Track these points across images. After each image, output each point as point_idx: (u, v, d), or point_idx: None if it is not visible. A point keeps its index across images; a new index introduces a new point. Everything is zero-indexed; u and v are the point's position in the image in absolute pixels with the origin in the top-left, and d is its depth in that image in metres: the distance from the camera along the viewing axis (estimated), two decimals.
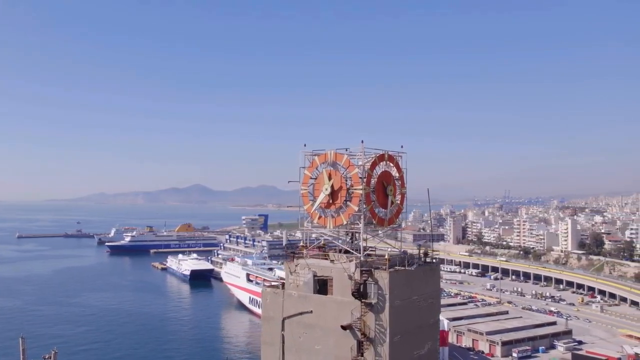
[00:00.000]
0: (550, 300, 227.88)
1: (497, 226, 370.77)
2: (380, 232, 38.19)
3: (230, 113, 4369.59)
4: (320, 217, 36.25)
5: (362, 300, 31.99)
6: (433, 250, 39.99)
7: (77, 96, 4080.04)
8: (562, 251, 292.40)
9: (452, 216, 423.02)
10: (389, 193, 37.05)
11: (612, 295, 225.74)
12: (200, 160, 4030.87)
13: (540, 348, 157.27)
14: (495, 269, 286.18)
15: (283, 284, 37.67)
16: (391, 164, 36.88)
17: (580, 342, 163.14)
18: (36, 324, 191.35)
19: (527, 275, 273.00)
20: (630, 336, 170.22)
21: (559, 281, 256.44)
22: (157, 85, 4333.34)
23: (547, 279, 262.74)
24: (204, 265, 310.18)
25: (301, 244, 39.30)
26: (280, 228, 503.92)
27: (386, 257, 35.58)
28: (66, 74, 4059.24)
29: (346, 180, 35.28)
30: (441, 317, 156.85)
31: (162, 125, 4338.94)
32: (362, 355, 31.86)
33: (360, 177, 34.53)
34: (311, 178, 36.88)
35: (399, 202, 37.70)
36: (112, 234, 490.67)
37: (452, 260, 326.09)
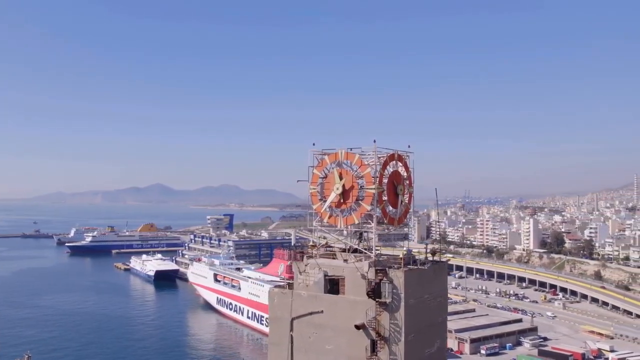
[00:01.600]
0: (514, 298, 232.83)
1: (460, 226, 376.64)
2: (391, 231, 38.27)
3: (191, 113, 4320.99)
4: (330, 216, 36.15)
5: (377, 300, 32.06)
6: (441, 249, 40.33)
7: (34, 97, 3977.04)
8: (524, 250, 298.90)
9: (417, 216, 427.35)
10: (399, 192, 37.27)
11: (574, 293, 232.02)
12: (161, 159, 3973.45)
13: (508, 345, 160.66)
14: (459, 268, 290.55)
15: (289, 284, 37.40)
16: (400, 164, 37.10)
17: (545, 339, 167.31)
18: (2, 328, 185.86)
19: (490, 274, 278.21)
20: (592, 332, 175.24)
21: (521, 279, 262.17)
22: (118, 87, 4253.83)
23: (511, 277, 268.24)
24: (169, 265, 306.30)
25: (310, 243, 39.06)
26: (245, 228, 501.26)
27: (400, 256, 35.78)
28: (27, 75, 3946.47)
29: (358, 180, 35.29)
30: None
31: (122, 126, 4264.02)
32: (376, 355, 31.91)
33: (373, 177, 34.62)
34: (320, 177, 36.71)
35: (407, 201, 37.94)
36: (72, 234, 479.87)
37: None
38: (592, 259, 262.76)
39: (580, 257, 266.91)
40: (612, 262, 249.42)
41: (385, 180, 35.26)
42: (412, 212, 39.46)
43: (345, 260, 34.23)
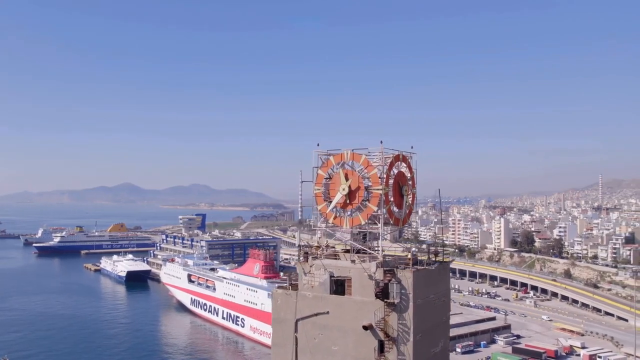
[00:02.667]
0: (486, 296, 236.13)
1: (432, 225, 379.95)
2: (396, 231, 38.44)
3: (160, 112, 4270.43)
4: (335, 217, 36.12)
5: (385, 301, 32.14)
6: (444, 249, 40.68)
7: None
8: (495, 249, 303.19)
9: None
10: (404, 193, 37.45)
11: (544, 291, 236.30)
12: (130, 158, 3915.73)
13: (482, 343, 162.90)
14: None
15: (292, 285, 37.25)
16: (404, 164, 37.29)
17: (518, 337, 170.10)
18: None
19: (463, 273, 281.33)
20: (564, 329, 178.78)
21: (493, 278, 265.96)
22: (85, 87, 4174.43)
23: (483, 276, 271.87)
24: (141, 266, 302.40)
25: (316, 244, 38.95)
26: (217, 228, 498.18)
27: (408, 256, 35.96)
28: None
29: (364, 180, 35.35)
30: None
31: (90, 123, 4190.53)
32: (384, 356, 31.99)
33: (379, 178, 34.69)
34: (325, 178, 36.65)
35: (410, 202, 38.15)
36: (39, 235, 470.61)
37: None
38: (562, 257, 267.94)
39: (550, 256, 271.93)
40: (581, 261, 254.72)
41: (391, 181, 35.44)
42: (415, 213, 39.66)
43: (353, 261, 34.27)
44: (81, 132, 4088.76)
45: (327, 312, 34.04)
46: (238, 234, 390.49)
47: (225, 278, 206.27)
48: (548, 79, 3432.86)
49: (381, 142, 34.75)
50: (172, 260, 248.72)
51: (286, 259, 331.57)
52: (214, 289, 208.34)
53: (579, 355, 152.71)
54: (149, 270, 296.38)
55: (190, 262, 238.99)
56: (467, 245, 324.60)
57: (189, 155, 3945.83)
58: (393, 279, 32.46)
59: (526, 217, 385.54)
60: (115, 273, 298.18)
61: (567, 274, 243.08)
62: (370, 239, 36.96)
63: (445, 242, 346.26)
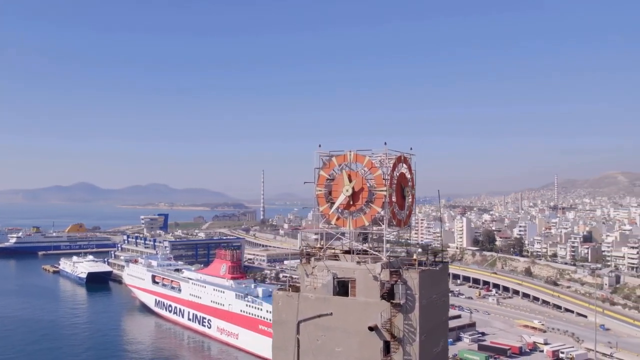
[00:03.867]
0: (450, 294, 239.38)
1: (395, 224, 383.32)
2: (398, 232, 38.66)
3: (118, 112, 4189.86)
4: (338, 218, 36.06)
5: (391, 301, 32.27)
6: (442, 250, 41.09)
7: None
8: (457, 248, 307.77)
9: None
10: (406, 195, 37.69)
11: (506, 289, 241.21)
12: (87, 157, 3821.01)
13: (448, 340, 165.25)
14: None
15: (292, 287, 37.04)
16: (405, 166, 37.52)
17: (483, 334, 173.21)
18: None
19: None
20: (526, 326, 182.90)
21: (456, 276, 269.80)
22: (39, 84, 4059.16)
23: None
24: (102, 267, 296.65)
25: (318, 245, 38.80)
26: (178, 228, 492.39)
27: (414, 257, 36.16)
28: None
29: (368, 182, 35.41)
30: None
31: (44, 120, 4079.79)
32: (390, 356, 32.11)
33: (384, 179, 34.82)
34: (327, 179, 36.56)
35: (410, 203, 38.44)
36: None
37: None
38: (522, 256, 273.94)
39: (510, 255, 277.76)
40: (540, 259, 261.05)
41: (394, 183, 35.61)
42: (414, 214, 39.94)
43: (359, 262, 34.29)
44: (35, 129, 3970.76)
45: (331, 314, 33.97)
46: (201, 234, 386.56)
47: (191, 279, 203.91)
48: (495, 79, 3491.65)
49: (385, 143, 34.99)
50: (136, 261, 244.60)
51: (250, 259, 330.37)
52: (179, 290, 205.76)
53: (542, 351, 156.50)
54: (111, 272, 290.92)
55: (154, 263, 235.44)
56: (430, 244, 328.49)
57: (147, 155, 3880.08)
58: (399, 280, 32.67)
59: (486, 217, 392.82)
60: (76, 274, 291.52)
61: (528, 272, 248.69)
62: (371, 240, 37.07)
63: (409, 241, 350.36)
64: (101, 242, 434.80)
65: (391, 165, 35.43)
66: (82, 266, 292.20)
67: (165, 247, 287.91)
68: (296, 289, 36.37)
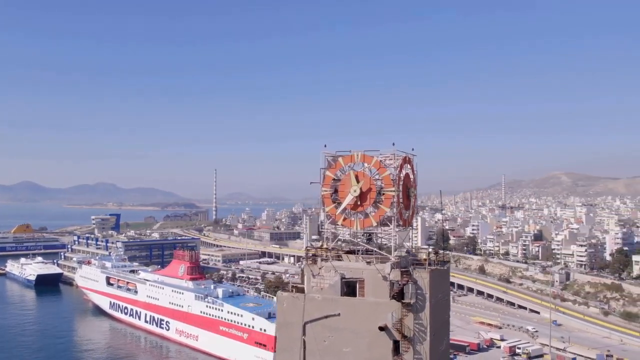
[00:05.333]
0: None
1: None
2: (400, 232, 38.83)
3: (60, 105, 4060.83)
4: (345, 218, 35.98)
5: (402, 301, 32.40)
6: (445, 250, 41.50)
7: None
8: (412, 247, 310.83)
9: (308, 214, 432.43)
10: (411, 195, 37.93)
11: (460, 287, 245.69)
12: (30, 155, 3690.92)
13: None
14: None
15: (297, 288, 36.72)
16: (409, 166, 37.76)
17: None
18: None
19: None
20: (482, 323, 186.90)
21: None
22: None
23: None
24: (52, 269, 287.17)
25: (324, 245, 38.54)
26: (128, 228, 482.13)
27: (424, 257, 36.41)
28: None
29: (376, 182, 35.42)
30: None
31: None
32: (399, 356, 32.25)
33: (392, 179, 34.93)
34: (334, 179, 36.41)
35: (413, 203, 38.71)
36: None
37: None
38: (476, 254, 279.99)
39: (464, 253, 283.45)
40: (493, 257, 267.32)
41: (400, 183, 35.78)
42: (417, 215, 40.28)
43: (369, 262, 34.32)
44: None
45: (338, 314, 33.92)
46: (155, 235, 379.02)
47: (147, 280, 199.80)
48: (439, 79, 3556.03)
49: (393, 144, 35.18)
50: (89, 263, 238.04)
51: (205, 260, 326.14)
52: (136, 291, 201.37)
53: (499, 347, 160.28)
54: (61, 273, 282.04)
55: (108, 264, 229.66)
56: (385, 244, 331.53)
57: (94, 153, 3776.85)
58: (409, 280, 32.86)
59: (439, 216, 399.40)
60: (24, 277, 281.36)
61: (481, 270, 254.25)
62: (376, 240, 37.18)
63: (344, 240, 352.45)
64: (49, 243, 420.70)
65: (398, 165, 35.63)
66: (31, 268, 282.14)
67: (118, 248, 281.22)
68: (299, 290, 36.14)
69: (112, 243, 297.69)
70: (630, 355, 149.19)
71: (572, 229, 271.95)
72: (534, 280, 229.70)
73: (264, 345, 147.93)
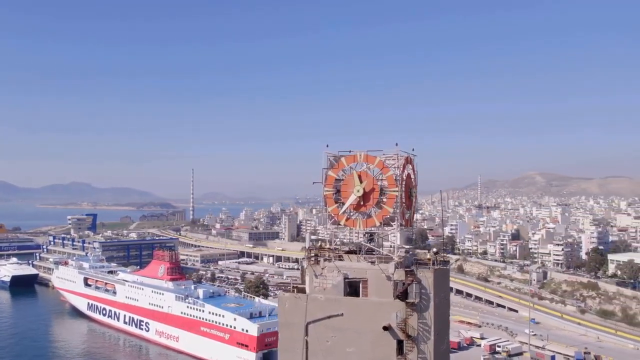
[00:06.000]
0: None
1: (330, 224, 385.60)
2: (403, 232, 38.95)
3: (34, 105, 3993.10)
4: (348, 218, 35.96)
5: (406, 301, 32.48)
6: (444, 250, 41.74)
7: None
8: (391, 246, 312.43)
9: (287, 214, 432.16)
10: (413, 195, 38.07)
11: None
12: (3, 155, 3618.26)
13: None
14: None
15: (298, 289, 36.60)
16: (410, 166, 37.87)
17: None
18: None
19: None
20: (462, 321, 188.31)
21: None
22: None
23: None
24: (27, 270, 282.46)
25: (327, 246, 38.45)
26: (104, 228, 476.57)
27: (428, 256, 36.53)
28: None
29: (379, 182, 35.46)
30: None
31: None
32: (404, 356, 32.34)
33: (395, 180, 35.00)
34: (336, 179, 36.37)
35: (414, 203, 38.87)
36: None
37: (289, 257, 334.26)
38: (454, 253, 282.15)
39: (443, 252, 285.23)
40: (472, 257, 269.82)
41: (403, 183, 35.88)
42: (416, 214, 40.42)
43: (373, 262, 34.36)
44: None
45: (342, 314, 33.92)
46: (133, 235, 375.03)
47: (127, 281, 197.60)
48: (411, 80, 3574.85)
49: (396, 144, 35.28)
50: (66, 263, 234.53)
51: (183, 260, 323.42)
52: (114, 292, 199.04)
53: (479, 345, 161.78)
54: (37, 274, 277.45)
55: (85, 264, 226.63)
56: (339, 245, 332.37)
57: (69, 152, 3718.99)
58: (413, 279, 32.99)
59: (417, 215, 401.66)
60: None
61: (460, 269, 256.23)
62: (377, 239, 37.26)
63: (344, 240, 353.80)
64: (23, 243, 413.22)
65: (401, 166, 35.74)
66: (5, 269, 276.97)
67: (96, 248, 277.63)
68: (300, 290, 36.05)
69: (89, 243, 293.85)
70: (606, 352, 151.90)
71: (548, 228, 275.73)
72: (511, 279, 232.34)
73: (246, 346, 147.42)
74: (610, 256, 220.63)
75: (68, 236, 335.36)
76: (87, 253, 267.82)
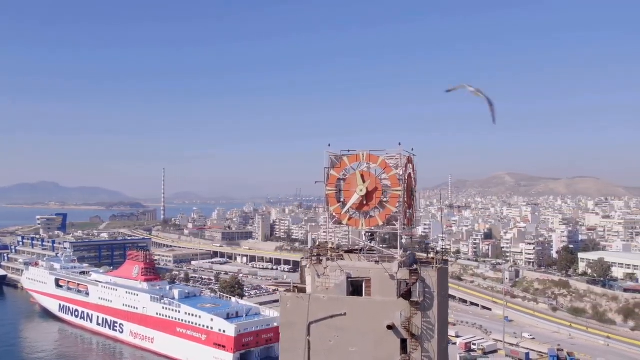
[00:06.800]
0: None
1: (303, 223, 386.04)
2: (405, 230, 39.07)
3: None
4: (350, 218, 35.97)
5: (410, 300, 32.62)
6: (444, 249, 41.97)
7: None
8: (366, 246, 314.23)
9: (260, 214, 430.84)
10: (414, 194, 38.25)
11: None
12: None
13: None
14: None
15: (299, 289, 36.46)
16: (411, 166, 38.07)
17: None
18: None
19: None
20: None
21: None
22: None
23: None
24: None
25: (330, 245, 38.35)
26: (74, 228, 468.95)
27: (432, 255, 36.69)
28: None
29: (382, 182, 35.56)
30: (277, 313, 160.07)
31: None
32: (408, 355, 32.47)
33: (398, 179, 35.14)
34: (339, 179, 36.37)
35: (414, 203, 39.08)
36: None
37: (262, 257, 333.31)
38: (428, 253, 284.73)
39: (417, 252, 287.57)
40: (445, 256, 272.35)
41: (405, 183, 36.04)
42: (417, 213, 40.63)
43: (377, 262, 34.42)
44: None
45: (344, 314, 33.92)
46: (104, 235, 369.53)
47: (100, 282, 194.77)
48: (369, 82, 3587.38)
49: (399, 143, 35.44)
50: (36, 264, 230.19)
51: (155, 260, 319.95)
52: (87, 293, 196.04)
53: (454, 343, 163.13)
54: (5, 276, 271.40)
55: (57, 265, 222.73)
56: (340, 244, 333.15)
57: (36, 151, 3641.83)
58: (418, 278, 33.17)
59: None
60: None
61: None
62: (379, 239, 37.37)
63: (317, 240, 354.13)
64: None
65: (404, 165, 35.93)
66: None
67: (67, 248, 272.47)
68: (300, 290, 35.98)
69: (60, 244, 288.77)
70: (578, 349, 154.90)
71: (520, 227, 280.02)
72: (484, 277, 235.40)
73: (223, 347, 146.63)
74: (580, 255, 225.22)
75: (37, 236, 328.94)
76: (57, 254, 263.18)
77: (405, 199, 36.50)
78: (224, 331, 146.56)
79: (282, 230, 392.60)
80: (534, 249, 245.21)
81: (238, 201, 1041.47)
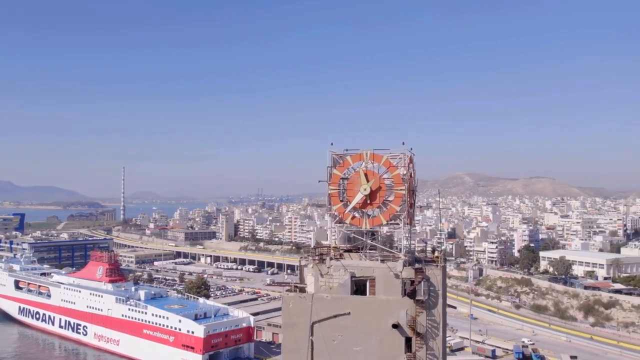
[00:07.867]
0: None
1: (268, 223, 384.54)
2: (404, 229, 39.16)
3: None
4: (353, 217, 35.86)
5: (415, 298, 32.71)
6: (444, 248, 42.22)
7: None
8: (329, 246, 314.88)
9: (224, 214, 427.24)
10: (415, 193, 38.38)
11: None
12: None
13: None
14: (271, 264, 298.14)
15: (300, 288, 36.15)
16: (411, 166, 38.20)
17: None
18: None
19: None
20: None
21: None
22: None
23: None
24: None
25: (332, 245, 38.11)
26: (30, 228, 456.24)
27: (435, 254, 36.86)
28: None
29: (385, 181, 35.56)
30: (246, 314, 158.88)
31: None
32: (412, 353, 32.57)
33: (402, 178, 35.20)
34: (342, 178, 36.20)
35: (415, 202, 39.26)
36: None
37: (227, 257, 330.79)
38: (425, 252, 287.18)
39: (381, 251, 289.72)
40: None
41: (407, 182, 36.16)
42: (417, 212, 40.81)
43: (382, 261, 34.42)
44: None
45: (348, 313, 33.84)
46: (64, 235, 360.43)
47: (62, 283, 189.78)
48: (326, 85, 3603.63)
49: (403, 143, 35.53)
50: None
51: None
52: (49, 295, 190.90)
53: None
54: None
55: (16, 266, 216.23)
56: (304, 242, 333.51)
57: None
58: (422, 277, 33.34)
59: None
60: None
61: None
62: (381, 238, 37.42)
63: (282, 240, 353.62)
64: None
65: (406, 165, 36.07)
66: None
67: (25, 249, 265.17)
68: (302, 290, 35.74)
69: (18, 244, 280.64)
70: (541, 345, 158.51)
71: (482, 227, 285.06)
72: (449, 276, 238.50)
73: (192, 348, 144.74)
74: (541, 253, 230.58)
75: None
76: (15, 255, 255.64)
77: (408, 198, 36.70)
78: (193, 332, 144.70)
79: (246, 230, 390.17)
80: (496, 247, 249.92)
81: (199, 201, 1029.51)
